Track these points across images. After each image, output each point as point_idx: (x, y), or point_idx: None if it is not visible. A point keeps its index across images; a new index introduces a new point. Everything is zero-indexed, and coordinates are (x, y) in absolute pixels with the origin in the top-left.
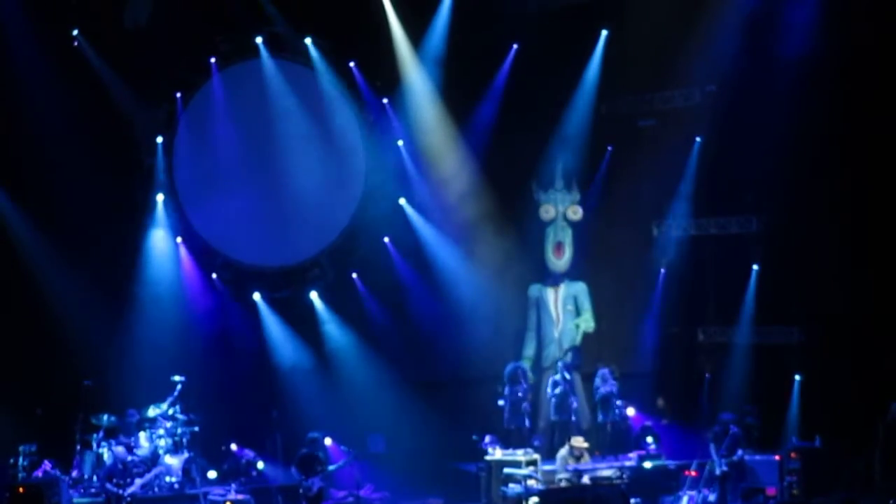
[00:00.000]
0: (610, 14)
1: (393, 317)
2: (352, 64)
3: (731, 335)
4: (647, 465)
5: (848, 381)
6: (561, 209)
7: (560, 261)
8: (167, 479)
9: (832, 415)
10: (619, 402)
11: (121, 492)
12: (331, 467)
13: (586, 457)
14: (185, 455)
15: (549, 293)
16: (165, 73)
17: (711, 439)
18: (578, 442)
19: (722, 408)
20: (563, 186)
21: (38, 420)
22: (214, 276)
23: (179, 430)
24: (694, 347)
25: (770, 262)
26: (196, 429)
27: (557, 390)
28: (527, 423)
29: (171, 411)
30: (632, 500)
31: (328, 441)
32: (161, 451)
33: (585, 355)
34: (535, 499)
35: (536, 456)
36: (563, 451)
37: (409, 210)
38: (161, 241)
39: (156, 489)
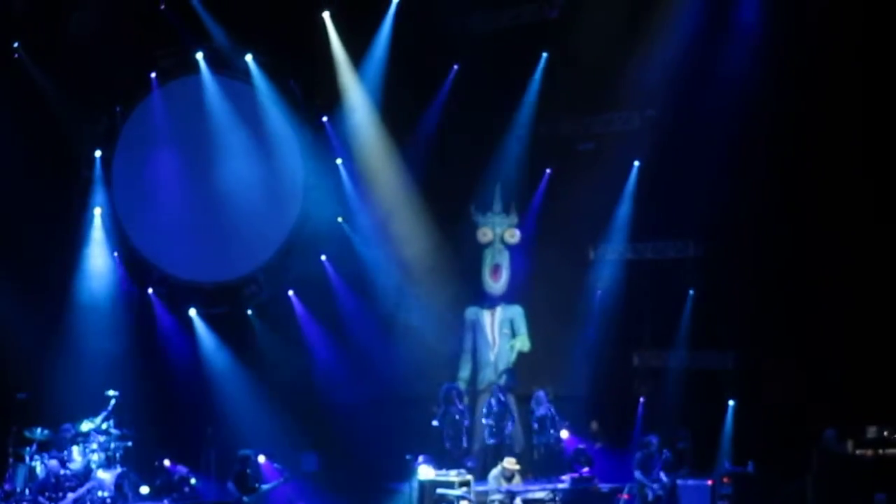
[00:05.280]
0: (550, 36)
1: (329, 335)
2: (291, 82)
3: (666, 359)
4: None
5: (782, 408)
6: (498, 232)
7: (497, 284)
8: (100, 493)
9: (765, 440)
10: (555, 424)
11: None
12: (264, 487)
13: (518, 478)
14: (118, 470)
15: (486, 316)
16: (106, 86)
17: (637, 463)
18: (510, 463)
19: (655, 431)
20: (501, 209)
21: None
22: (150, 290)
23: (113, 445)
24: (629, 371)
25: (706, 287)
26: (129, 444)
27: (492, 413)
28: (465, 442)
29: (104, 426)
30: None
31: (262, 459)
32: (94, 466)
33: (521, 377)
34: None
35: (469, 477)
36: (495, 472)
37: (346, 229)
38: (97, 255)
39: (88, 503)
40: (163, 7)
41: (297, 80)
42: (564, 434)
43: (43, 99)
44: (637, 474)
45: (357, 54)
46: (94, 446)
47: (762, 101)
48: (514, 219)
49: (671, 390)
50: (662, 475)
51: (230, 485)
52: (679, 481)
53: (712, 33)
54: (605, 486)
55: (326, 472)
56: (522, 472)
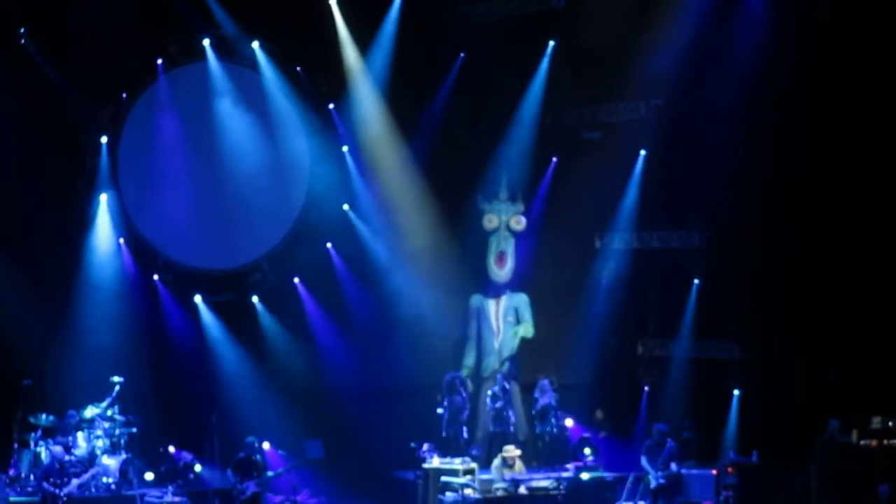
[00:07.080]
0: (557, 25)
1: (334, 323)
2: (298, 69)
3: (670, 349)
4: (585, 476)
5: (786, 398)
6: (504, 219)
7: (502, 271)
8: (104, 479)
9: (770, 430)
10: (558, 413)
11: (57, 491)
12: (269, 474)
13: (519, 464)
14: (123, 456)
15: (491, 304)
16: (112, 73)
17: (644, 451)
18: (510, 451)
19: (660, 421)
20: (507, 197)
21: None
22: (156, 277)
23: (117, 431)
24: (633, 360)
25: (711, 277)
26: (134, 430)
27: (496, 401)
28: (464, 432)
29: (109, 412)
30: None
31: (266, 445)
32: (99, 452)
33: (525, 366)
34: None
35: (474, 465)
36: (496, 462)
37: (352, 216)
38: (103, 242)
39: (92, 489)
40: None
41: (303, 67)
42: (569, 423)
43: (49, 85)
44: (644, 461)
45: (364, 42)
46: (99, 432)
47: (768, 92)
48: (519, 206)
49: (675, 380)
50: (673, 465)
51: (229, 472)
52: (683, 471)
53: (719, 23)
54: (609, 475)
55: (331, 459)
56: (526, 460)
